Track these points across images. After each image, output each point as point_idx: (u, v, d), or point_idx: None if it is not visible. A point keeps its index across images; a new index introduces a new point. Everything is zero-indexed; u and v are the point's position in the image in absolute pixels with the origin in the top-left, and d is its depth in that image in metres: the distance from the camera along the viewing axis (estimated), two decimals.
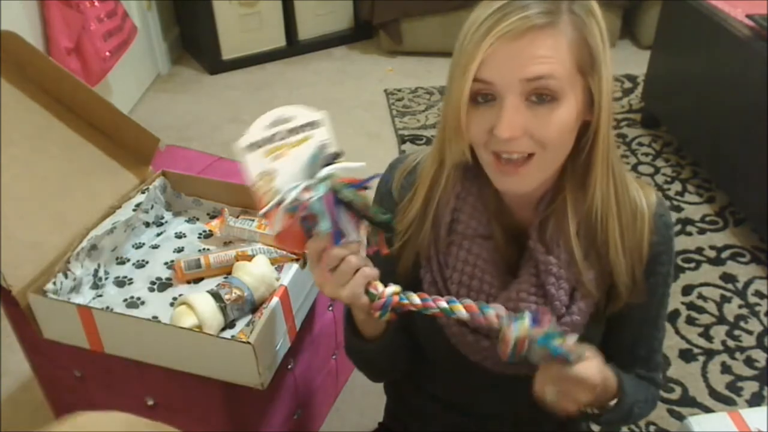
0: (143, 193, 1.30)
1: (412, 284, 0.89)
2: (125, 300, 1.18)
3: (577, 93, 0.77)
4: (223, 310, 1.09)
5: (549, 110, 0.76)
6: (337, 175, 0.76)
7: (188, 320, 1.05)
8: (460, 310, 0.78)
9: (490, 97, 0.77)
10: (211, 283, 1.19)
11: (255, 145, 0.78)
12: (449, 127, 0.80)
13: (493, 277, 0.88)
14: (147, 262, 1.26)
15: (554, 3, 0.75)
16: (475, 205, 0.88)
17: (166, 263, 1.26)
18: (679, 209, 2.26)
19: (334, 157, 0.77)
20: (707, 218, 2.22)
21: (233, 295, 1.10)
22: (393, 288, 0.81)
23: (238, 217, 1.33)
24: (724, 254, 2.06)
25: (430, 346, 0.96)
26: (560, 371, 0.76)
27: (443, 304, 0.79)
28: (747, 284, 1.95)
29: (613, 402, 0.88)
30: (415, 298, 0.81)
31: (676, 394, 1.63)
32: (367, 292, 0.80)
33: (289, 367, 1.24)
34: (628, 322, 0.92)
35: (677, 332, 1.79)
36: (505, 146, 0.78)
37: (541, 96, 0.75)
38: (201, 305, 1.07)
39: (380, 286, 0.81)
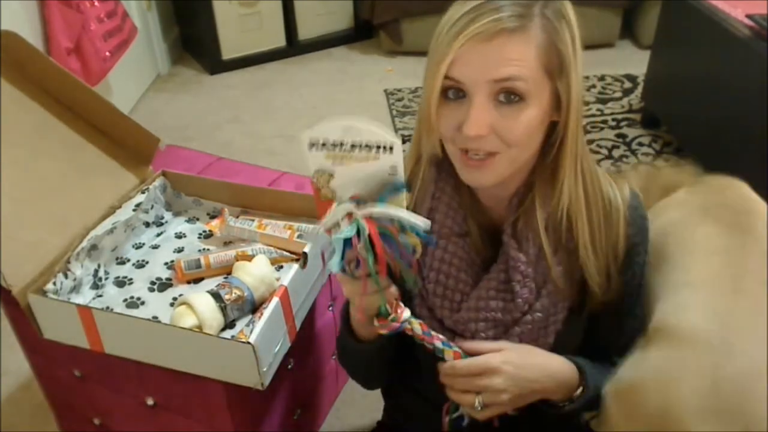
0: (143, 193, 1.30)
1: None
2: (125, 300, 1.18)
3: (544, 95, 0.79)
4: (223, 310, 1.09)
5: (516, 110, 0.78)
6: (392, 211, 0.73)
7: (188, 320, 1.05)
8: (449, 355, 0.85)
9: (461, 93, 0.79)
10: (211, 284, 1.19)
11: (320, 145, 0.73)
12: (422, 120, 0.83)
13: (468, 275, 0.90)
14: (147, 262, 1.26)
15: (526, 6, 0.76)
16: (449, 203, 0.90)
17: (166, 263, 1.26)
18: None
19: (399, 187, 0.74)
20: None
21: (233, 295, 1.10)
22: (407, 313, 0.83)
23: (238, 217, 1.33)
24: None
25: (422, 352, 0.97)
26: (454, 370, 0.84)
27: (438, 344, 0.84)
28: None
29: (578, 392, 0.89)
30: (417, 328, 0.84)
31: None
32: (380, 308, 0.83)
33: (289, 367, 1.24)
34: (604, 315, 0.92)
35: None
36: (471, 143, 0.80)
37: (509, 96, 0.77)
38: (201, 305, 1.07)
39: (399, 307, 0.83)
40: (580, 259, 0.86)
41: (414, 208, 0.89)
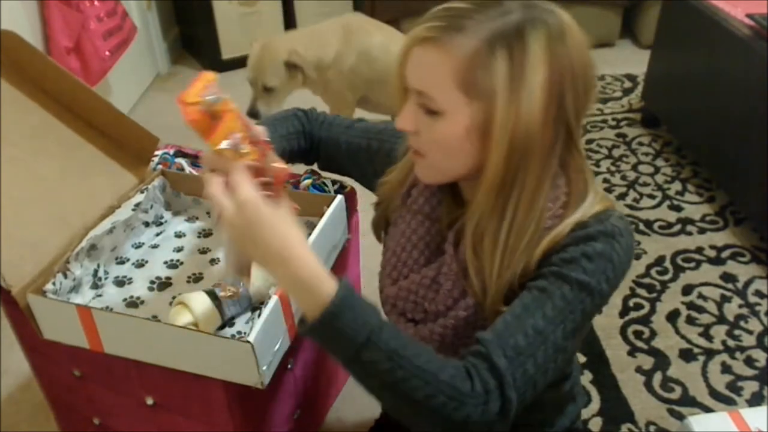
0: (142, 192, 1.30)
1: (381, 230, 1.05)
2: (125, 300, 1.18)
3: (465, 112, 0.77)
4: (218, 307, 1.09)
5: (431, 121, 0.80)
6: None
7: (184, 318, 1.06)
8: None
9: None
10: None
11: None
12: None
13: (420, 254, 0.94)
14: (146, 262, 1.27)
15: (461, 20, 0.76)
16: (428, 184, 0.93)
17: (165, 263, 1.26)
18: (679, 209, 2.26)
19: None
20: (707, 218, 2.22)
21: (228, 291, 1.11)
22: None
23: None
24: (725, 254, 2.06)
25: None
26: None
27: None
28: (747, 284, 1.95)
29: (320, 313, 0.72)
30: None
31: (676, 394, 1.63)
32: None
33: (289, 367, 1.24)
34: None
35: (677, 332, 1.79)
36: (408, 137, 0.85)
37: (425, 107, 0.80)
38: (196, 303, 1.07)
39: None
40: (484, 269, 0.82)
41: (403, 178, 0.96)
